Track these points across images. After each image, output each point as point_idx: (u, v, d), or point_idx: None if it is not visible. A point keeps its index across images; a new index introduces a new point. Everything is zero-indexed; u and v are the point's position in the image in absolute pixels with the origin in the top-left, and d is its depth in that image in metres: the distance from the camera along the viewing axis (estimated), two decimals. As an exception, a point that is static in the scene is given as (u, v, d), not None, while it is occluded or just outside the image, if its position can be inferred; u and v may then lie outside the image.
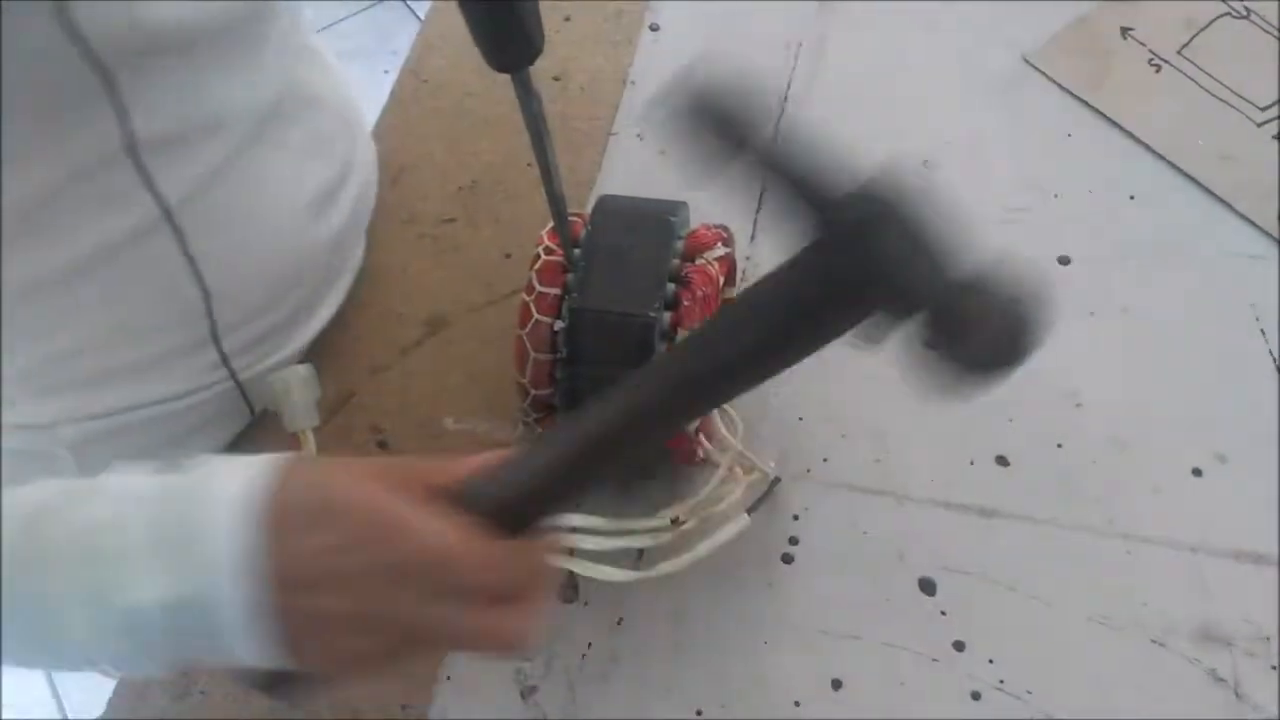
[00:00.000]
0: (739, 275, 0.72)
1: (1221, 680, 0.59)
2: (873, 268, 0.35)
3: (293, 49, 0.58)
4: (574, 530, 0.62)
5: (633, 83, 0.83)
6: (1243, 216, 0.75)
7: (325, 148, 0.63)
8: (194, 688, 0.59)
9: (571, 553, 0.62)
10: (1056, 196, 0.77)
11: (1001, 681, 0.59)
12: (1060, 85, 0.82)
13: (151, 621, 0.34)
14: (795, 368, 0.72)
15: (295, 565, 0.34)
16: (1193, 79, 0.82)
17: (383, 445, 0.67)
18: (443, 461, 0.40)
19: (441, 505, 0.37)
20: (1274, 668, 0.58)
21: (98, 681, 0.53)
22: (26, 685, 1.58)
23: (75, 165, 0.49)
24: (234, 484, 0.35)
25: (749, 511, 0.61)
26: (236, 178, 0.55)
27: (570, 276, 0.55)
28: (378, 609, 0.36)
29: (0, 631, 0.34)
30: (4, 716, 1.55)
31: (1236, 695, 0.58)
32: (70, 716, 1.57)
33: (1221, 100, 0.81)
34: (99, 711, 0.59)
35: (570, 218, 0.57)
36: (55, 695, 1.59)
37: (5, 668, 0.36)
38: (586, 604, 0.61)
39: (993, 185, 0.77)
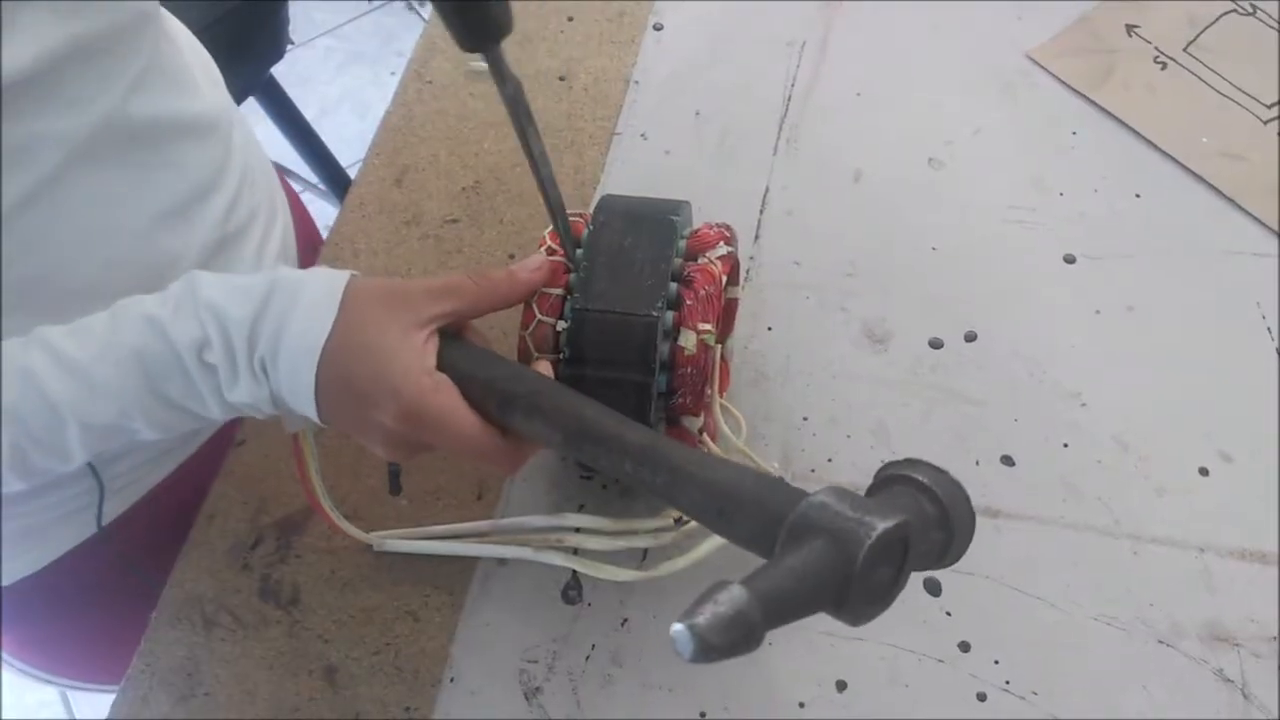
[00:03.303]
0: (743, 274, 0.72)
1: (1229, 681, 0.58)
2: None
3: (131, 77, 0.55)
4: (578, 531, 0.62)
5: (636, 82, 0.83)
6: (1248, 214, 0.75)
7: (178, 161, 0.60)
8: (198, 690, 0.59)
9: (575, 552, 0.62)
10: (1061, 195, 0.77)
11: (1007, 682, 0.59)
12: (1065, 83, 0.82)
13: (254, 405, 0.50)
14: (800, 367, 0.71)
15: (347, 420, 0.50)
16: (1198, 76, 0.81)
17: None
18: (445, 288, 0.51)
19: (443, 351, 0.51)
20: (1282, 668, 0.58)
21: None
22: (34, 686, 1.59)
23: None
24: (306, 333, 0.48)
25: (753, 512, 0.60)
26: (53, 201, 0.52)
27: (572, 277, 0.55)
28: (403, 455, 0.52)
29: (161, 414, 0.49)
30: (10, 718, 1.56)
31: (1244, 696, 0.58)
32: (77, 717, 1.58)
33: (1227, 97, 0.80)
34: (104, 713, 0.59)
35: (573, 217, 0.57)
36: (64, 700, 1.60)
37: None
38: (590, 605, 0.61)
39: (997, 184, 0.77)
